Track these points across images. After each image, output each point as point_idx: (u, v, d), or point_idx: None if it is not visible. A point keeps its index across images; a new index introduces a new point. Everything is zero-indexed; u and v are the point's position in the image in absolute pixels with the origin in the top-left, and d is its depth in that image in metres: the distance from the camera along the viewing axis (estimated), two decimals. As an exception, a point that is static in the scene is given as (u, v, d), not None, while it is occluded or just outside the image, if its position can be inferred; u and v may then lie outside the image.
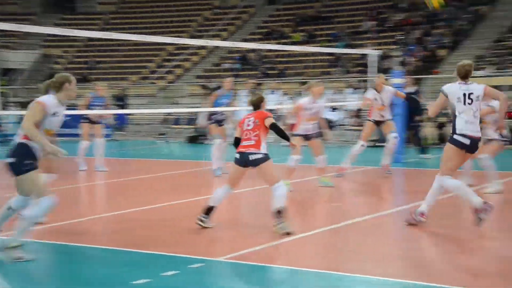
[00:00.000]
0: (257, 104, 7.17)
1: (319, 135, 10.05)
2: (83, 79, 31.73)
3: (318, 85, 9.76)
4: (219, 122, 11.68)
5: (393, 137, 11.49)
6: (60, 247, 6.52)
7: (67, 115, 6.79)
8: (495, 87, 22.44)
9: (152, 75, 30.89)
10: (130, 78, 31.48)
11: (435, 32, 26.52)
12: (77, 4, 39.83)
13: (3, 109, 20.34)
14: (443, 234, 6.93)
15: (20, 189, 5.87)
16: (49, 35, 34.45)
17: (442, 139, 17.24)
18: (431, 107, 7.22)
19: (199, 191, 9.91)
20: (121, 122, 22.79)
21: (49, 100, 5.85)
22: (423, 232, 6.99)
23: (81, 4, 39.77)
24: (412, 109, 14.25)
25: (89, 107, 12.66)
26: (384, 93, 11.42)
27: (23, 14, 37.58)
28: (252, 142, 6.95)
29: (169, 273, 5.37)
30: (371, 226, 7.39)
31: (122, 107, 22.37)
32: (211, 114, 11.65)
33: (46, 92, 5.96)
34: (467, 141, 6.80)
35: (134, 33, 31.05)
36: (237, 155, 7.03)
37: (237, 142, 7.11)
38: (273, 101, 20.11)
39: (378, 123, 11.55)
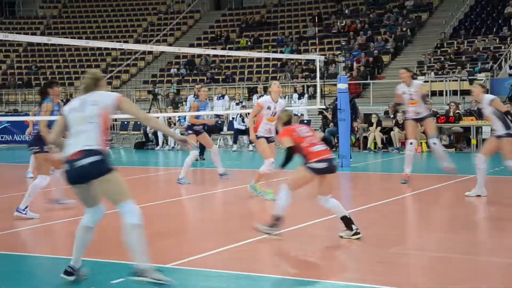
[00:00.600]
0: (290, 121, 7.05)
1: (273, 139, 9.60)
2: (25, 84, 31.03)
3: (276, 83, 9.63)
4: (198, 132, 11.50)
5: (432, 142, 10.79)
6: (6, 256, 6.35)
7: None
8: (437, 92, 23.05)
9: (97, 81, 30.42)
10: (75, 83, 30.95)
11: (378, 38, 27.09)
12: (17, 8, 38.84)
13: None
14: (390, 236, 7.07)
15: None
16: (-12, 39, 33.49)
17: (389, 143, 17.60)
18: None
19: (147, 197, 9.81)
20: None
21: None
22: (375, 235, 7.11)
23: (22, 8, 38.81)
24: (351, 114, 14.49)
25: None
26: (412, 87, 10.74)
27: (-39, 17, 36.49)
28: (327, 148, 6.77)
29: (117, 281, 5.31)
30: (320, 230, 7.48)
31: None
32: (192, 124, 11.45)
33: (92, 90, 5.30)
34: None
35: (77, 38, 30.73)
36: (324, 164, 6.57)
37: (290, 153, 6.75)
38: (221, 106, 20.16)
39: (417, 120, 10.89)
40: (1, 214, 8.76)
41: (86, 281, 5.32)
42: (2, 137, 21.18)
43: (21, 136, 21.38)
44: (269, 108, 9.35)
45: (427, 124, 10.97)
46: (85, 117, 5.10)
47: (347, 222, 6.72)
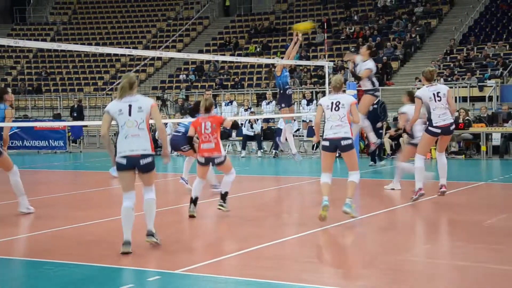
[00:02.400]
0: (209, 108, 8.36)
1: None
2: (35, 90, 31.19)
3: None
4: None
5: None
6: (14, 262, 6.38)
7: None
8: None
9: (107, 86, 30.59)
10: (85, 89, 31.10)
11: (387, 45, 27.06)
12: (28, 15, 39.11)
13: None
14: (399, 242, 7.05)
15: None
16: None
17: (398, 150, 17.53)
18: (412, 116, 9.38)
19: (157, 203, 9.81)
20: (76, 134, 22.47)
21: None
22: (385, 242, 7.09)
23: (32, 15, 39.08)
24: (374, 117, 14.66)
25: None
26: None
27: (-27, 24, 36.76)
28: (213, 146, 8.26)
29: (126, 287, 5.31)
30: (330, 236, 7.47)
31: (78, 118, 22.04)
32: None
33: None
34: (438, 130, 9.07)
35: (87, 44, 30.88)
36: (201, 159, 8.36)
37: (190, 139, 8.74)
38: (229, 112, 20.18)
39: None
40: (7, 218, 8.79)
41: (95, 287, 5.33)
42: (12, 143, 21.26)
43: (31, 141, 21.47)
44: None
45: None
46: (135, 121, 6.48)
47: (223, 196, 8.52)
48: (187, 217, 8.69)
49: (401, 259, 6.22)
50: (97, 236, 7.54)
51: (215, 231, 7.95)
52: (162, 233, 7.65)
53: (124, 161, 6.46)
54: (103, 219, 8.60)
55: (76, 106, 23.59)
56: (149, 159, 6.49)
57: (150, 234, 6.72)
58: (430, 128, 9.09)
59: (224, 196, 8.53)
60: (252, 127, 18.76)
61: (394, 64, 25.78)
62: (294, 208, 9.51)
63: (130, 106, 6.43)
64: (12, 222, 8.65)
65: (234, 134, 20.38)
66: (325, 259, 6.37)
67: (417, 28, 27.72)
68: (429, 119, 9.05)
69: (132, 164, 6.46)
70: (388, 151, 17.48)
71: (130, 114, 6.42)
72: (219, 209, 8.52)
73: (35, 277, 5.86)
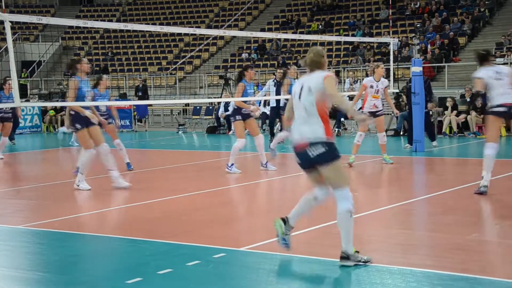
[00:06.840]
0: None
1: (383, 113, 11.71)
2: (102, 70, 31.95)
3: (380, 65, 11.62)
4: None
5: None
6: (85, 237, 6.60)
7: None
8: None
9: (171, 66, 31.01)
10: (149, 68, 31.64)
11: (454, 20, 26.27)
12: (94, -4, 40.06)
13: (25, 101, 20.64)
14: (467, 222, 6.91)
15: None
16: (68, 27, 34.70)
17: (465, 128, 17.08)
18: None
19: (219, 181, 9.95)
20: (142, 113, 22.92)
21: None
22: (452, 221, 6.97)
23: (99, -4, 39.99)
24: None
25: None
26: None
27: (42, 6, 37.87)
28: None
29: (192, 263, 5.42)
30: (397, 215, 7.39)
31: (142, 98, 22.45)
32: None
33: None
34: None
35: (151, 24, 31.32)
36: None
37: None
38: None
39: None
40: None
41: (163, 263, 5.47)
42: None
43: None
44: (371, 87, 11.41)
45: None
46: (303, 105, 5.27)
47: None
48: (253, 194, 8.76)
49: (469, 239, 6.10)
50: (165, 213, 7.72)
51: (278, 210, 7.99)
52: (226, 211, 7.76)
53: None
54: (171, 197, 8.78)
55: (141, 85, 24.04)
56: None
57: (344, 256, 5.28)
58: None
59: None
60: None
61: (461, 40, 25.02)
62: (360, 187, 9.44)
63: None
64: (83, 199, 8.96)
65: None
66: (389, 239, 6.31)
67: (486, 2, 26.74)
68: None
69: None
70: (455, 129, 17.06)
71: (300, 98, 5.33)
72: None
73: (105, 252, 6.05)
